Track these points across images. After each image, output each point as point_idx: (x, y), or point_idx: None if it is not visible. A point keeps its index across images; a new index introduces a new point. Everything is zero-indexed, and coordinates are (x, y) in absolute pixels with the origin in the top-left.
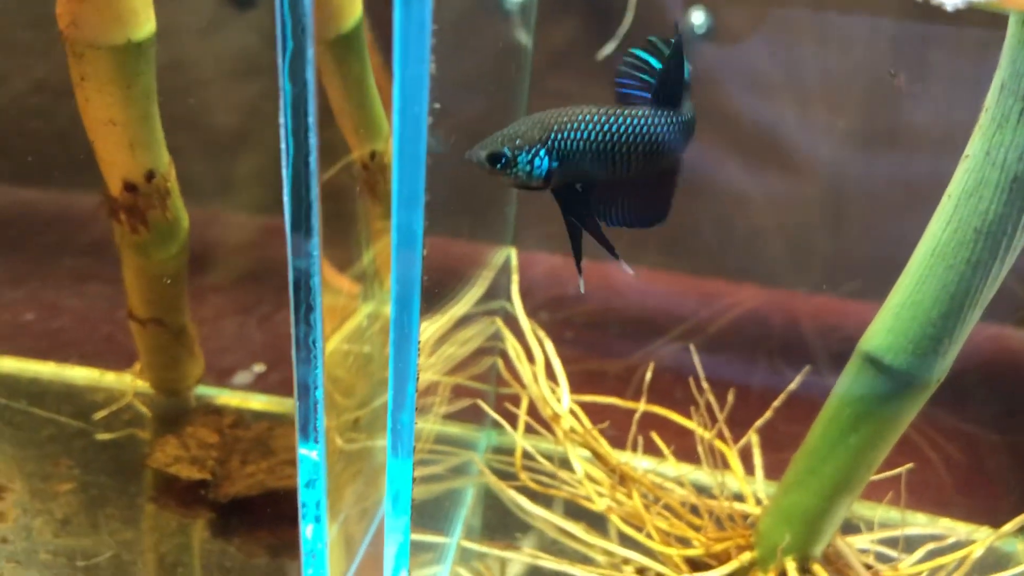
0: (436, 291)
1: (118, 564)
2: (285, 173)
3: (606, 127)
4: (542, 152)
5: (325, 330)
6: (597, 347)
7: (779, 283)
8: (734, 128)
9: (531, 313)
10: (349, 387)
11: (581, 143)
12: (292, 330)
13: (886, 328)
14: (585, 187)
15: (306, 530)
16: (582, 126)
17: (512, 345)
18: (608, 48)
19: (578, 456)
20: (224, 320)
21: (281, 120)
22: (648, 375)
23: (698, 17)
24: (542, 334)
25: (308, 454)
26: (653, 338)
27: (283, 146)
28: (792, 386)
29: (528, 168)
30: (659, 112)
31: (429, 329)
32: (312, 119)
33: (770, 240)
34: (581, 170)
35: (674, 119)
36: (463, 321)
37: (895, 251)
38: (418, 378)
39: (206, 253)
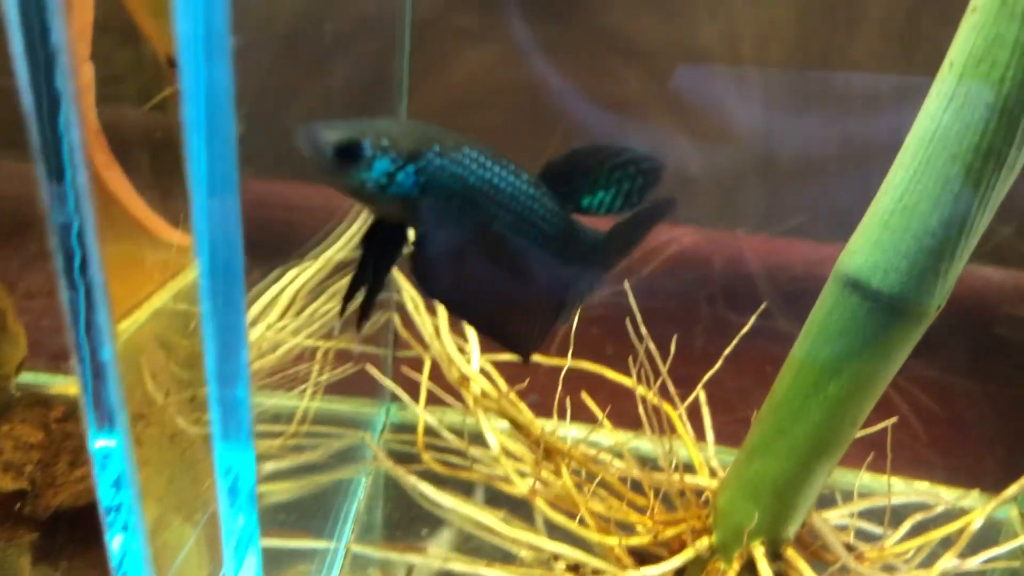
0: (297, 232)
1: None
2: (24, 93)
3: (490, 174)
4: (410, 168)
5: (148, 288)
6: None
7: (717, 225)
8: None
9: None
10: (189, 356)
11: (459, 179)
12: (64, 298)
13: (871, 242)
14: (417, 241)
15: (113, 542)
16: (467, 160)
17: (409, 295)
18: None
19: (493, 427)
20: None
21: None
22: (572, 325)
23: None
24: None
25: (106, 444)
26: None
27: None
28: (744, 329)
29: (385, 180)
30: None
31: (296, 281)
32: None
33: (704, 185)
34: (443, 212)
35: (584, 236)
36: (343, 267)
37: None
38: (247, 336)
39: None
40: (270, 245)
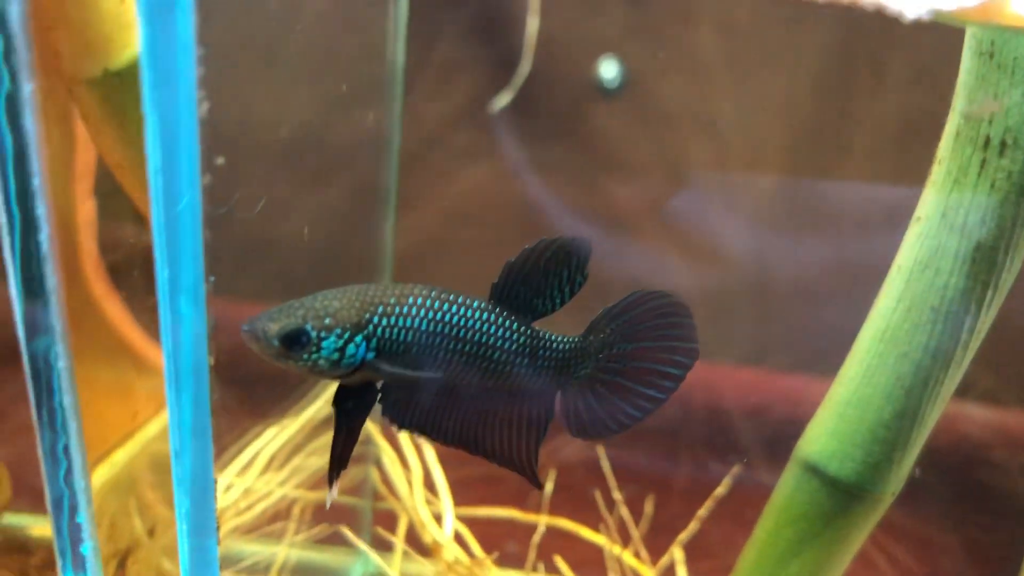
0: (280, 386)
1: None
2: (7, 240)
3: (440, 315)
4: (358, 338)
5: (144, 416)
6: None
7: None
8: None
9: None
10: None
11: (410, 332)
12: (37, 434)
13: (828, 430)
14: (384, 387)
15: None
16: (413, 311)
17: (387, 452)
18: (503, 99)
19: None
20: None
21: None
22: (549, 487)
23: (609, 69)
24: (421, 438)
25: None
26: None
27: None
28: (720, 490)
29: (336, 356)
30: (518, 328)
31: (277, 437)
32: (39, 187)
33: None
34: (403, 365)
35: (554, 343)
36: (325, 424)
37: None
38: (216, 489)
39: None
40: (256, 393)
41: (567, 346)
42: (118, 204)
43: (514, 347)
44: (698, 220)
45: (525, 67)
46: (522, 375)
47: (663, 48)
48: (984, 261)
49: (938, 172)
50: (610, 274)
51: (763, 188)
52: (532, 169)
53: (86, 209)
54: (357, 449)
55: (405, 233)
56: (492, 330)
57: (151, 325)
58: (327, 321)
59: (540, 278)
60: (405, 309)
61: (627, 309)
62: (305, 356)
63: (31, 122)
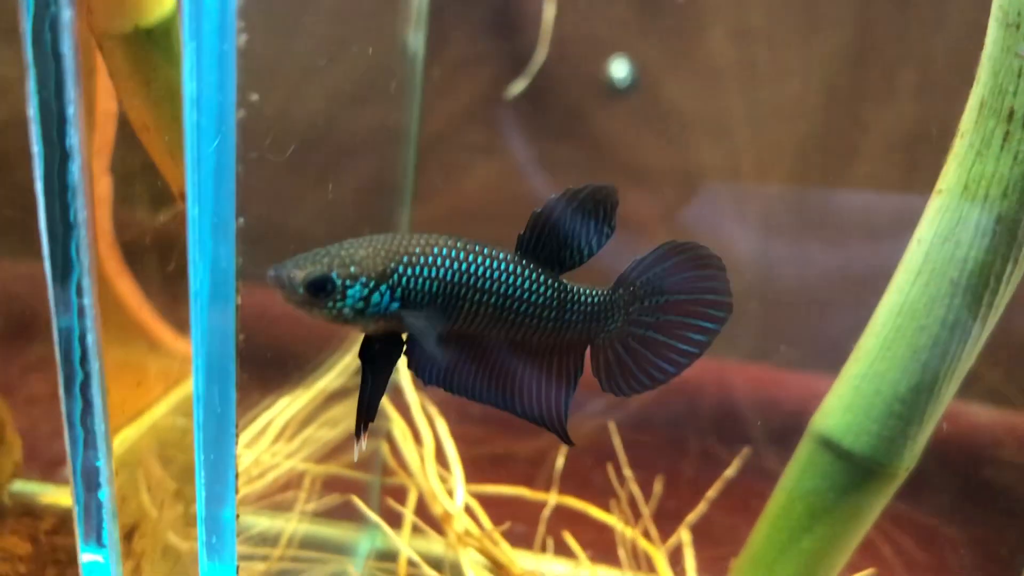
0: (291, 358)
1: None
2: (40, 201)
3: (466, 266)
4: (383, 287)
5: (154, 394)
6: (509, 424)
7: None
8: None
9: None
10: (185, 470)
11: (435, 283)
12: (63, 407)
13: (844, 404)
14: (410, 340)
15: None
16: (439, 261)
17: (399, 425)
18: (519, 86)
19: (474, 565)
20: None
21: (30, 129)
22: (560, 462)
23: (620, 69)
24: (433, 411)
25: (94, 559)
26: (573, 413)
27: (35, 167)
28: (729, 472)
29: (361, 305)
30: (545, 277)
31: (289, 407)
32: (73, 116)
33: None
34: (427, 317)
35: (583, 296)
36: (337, 396)
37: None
38: (236, 460)
39: (33, 316)
40: (271, 363)
41: (596, 299)
42: (134, 183)
43: (541, 300)
44: (707, 222)
45: (541, 54)
46: (550, 329)
47: (675, 50)
48: (1005, 234)
49: (960, 145)
50: (616, 274)
51: (772, 191)
52: (541, 166)
53: (102, 185)
54: None
55: (418, 227)
56: (519, 282)
57: (163, 304)
58: (352, 269)
59: (568, 227)
60: (431, 259)
61: (658, 261)
62: (330, 304)
63: (69, 47)
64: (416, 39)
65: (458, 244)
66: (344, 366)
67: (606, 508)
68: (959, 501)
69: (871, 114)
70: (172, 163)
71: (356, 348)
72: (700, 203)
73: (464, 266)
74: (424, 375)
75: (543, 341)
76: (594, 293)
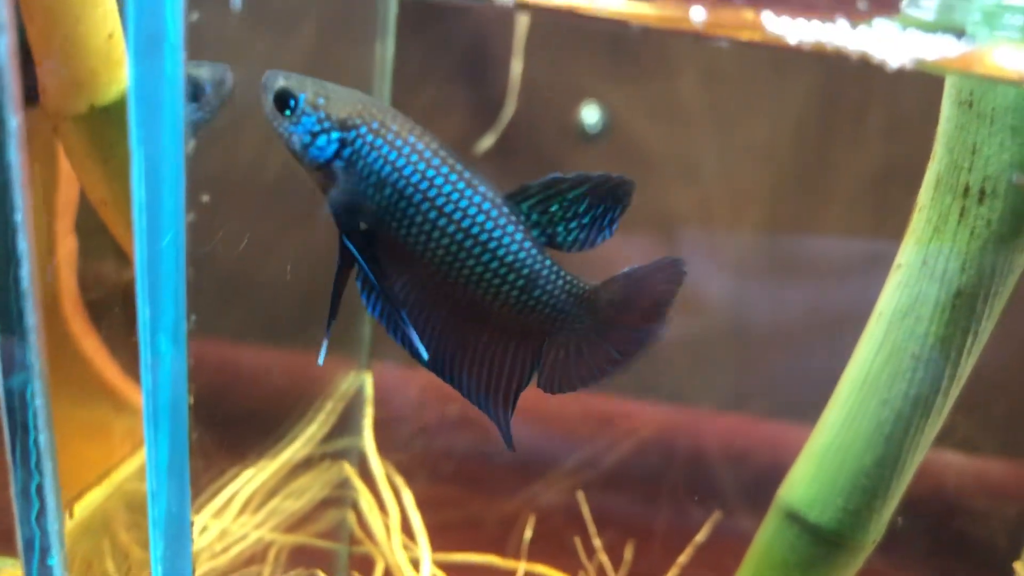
0: (258, 427)
1: None
2: None
3: (433, 172)
4: (335, 135)
5: (120, 455)
6: (481, 484)
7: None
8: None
9: (404, 444)
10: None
11: (390, 168)
12: (11, 474)
13: (809, 476)
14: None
15: None
16: (406, 149)
17: (365, 495)
18: (487, 141)
19: None
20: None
21: None
22: (528, 532)
23: (591, 115)
24: (400, 481)
25: None
26: (544, 470)
27: None
28: (699, 537)
29: (308, 139)
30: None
31: (255, 478)
32: (21, 223)
33: (674, 352)
34: (364, 202)
35: (562, 280)
36: (303, 465)
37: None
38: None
39: None
40: (235, 433)
41: (578, 289)
42: (99, 241)
43: (514, 260)
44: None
45: (509, 109)
46: (513, 301)
47: (645, 95)
48: (964, 308)
49: (918, 220)
50: None
51: (744, 233)
52: None
53: (67, 245)
54: (333, 492)
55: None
56: (490, 224)
57: (129, 363)
58: (320, 101)
59: (578, 202)
60: (400, 140)
61: (645, 275)
62: (285, 124)
63: (15, 156)
64: (382, 88)
65: (441, 151)
66: (309, 436)
67: (579, 569)
68: (931, 554)
69: (841, 156)
70: (131, 237)
71: (321, 417)
72: (673, 246)
73: (433, 172)
74: (371, 305)
75: (503, 316)
76: (579, 282)
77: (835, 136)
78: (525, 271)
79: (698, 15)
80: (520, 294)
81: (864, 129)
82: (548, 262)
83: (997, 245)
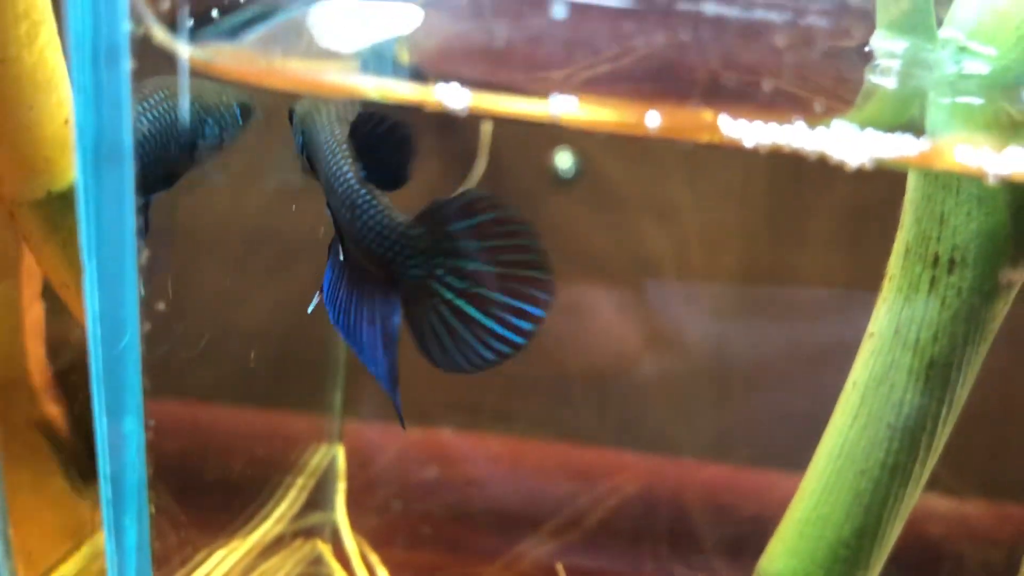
0: (232, 506)
1: None
2: None
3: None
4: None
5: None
6: (460, 548)
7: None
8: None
9: (381, 507)
10: None
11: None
12: None
13: (789, 548)
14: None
15: None
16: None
17: (339, 574)
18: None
19: None
20: None
21: None
22: None
23: (564, 160)
24: (374, 559)
25: None
26: (526, 529)
27: None
28: None
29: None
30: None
31: (226, 560)
32: None
33: (651, 400)
34: None
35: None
36: (274, 545)
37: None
38: None
39: None
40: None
41: (391, 221)
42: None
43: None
44: (658, 308)
45: (481, 165)
46: (348, 221)
47: (618, 140)
48: (938, 378)
49: (889, 288)
50: (568, 363)
51: (720, 276)
52: None
53: (33, 312)
54: (308, 569)
55: None
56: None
57: None
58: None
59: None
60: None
61: (460, 215)
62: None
63: None
64: None
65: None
66: (280, 514)
67: None
68: None
69: (814, 196)
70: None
71: (293, 496)
72: (650, 289)
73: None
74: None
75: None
76: (390, 212)
77: (808, 177)
78: (347, 199)
79: (653, 121)
80: (351, 216)
81: (837, 170)
82: (368, 196)
83: (968, 314)
